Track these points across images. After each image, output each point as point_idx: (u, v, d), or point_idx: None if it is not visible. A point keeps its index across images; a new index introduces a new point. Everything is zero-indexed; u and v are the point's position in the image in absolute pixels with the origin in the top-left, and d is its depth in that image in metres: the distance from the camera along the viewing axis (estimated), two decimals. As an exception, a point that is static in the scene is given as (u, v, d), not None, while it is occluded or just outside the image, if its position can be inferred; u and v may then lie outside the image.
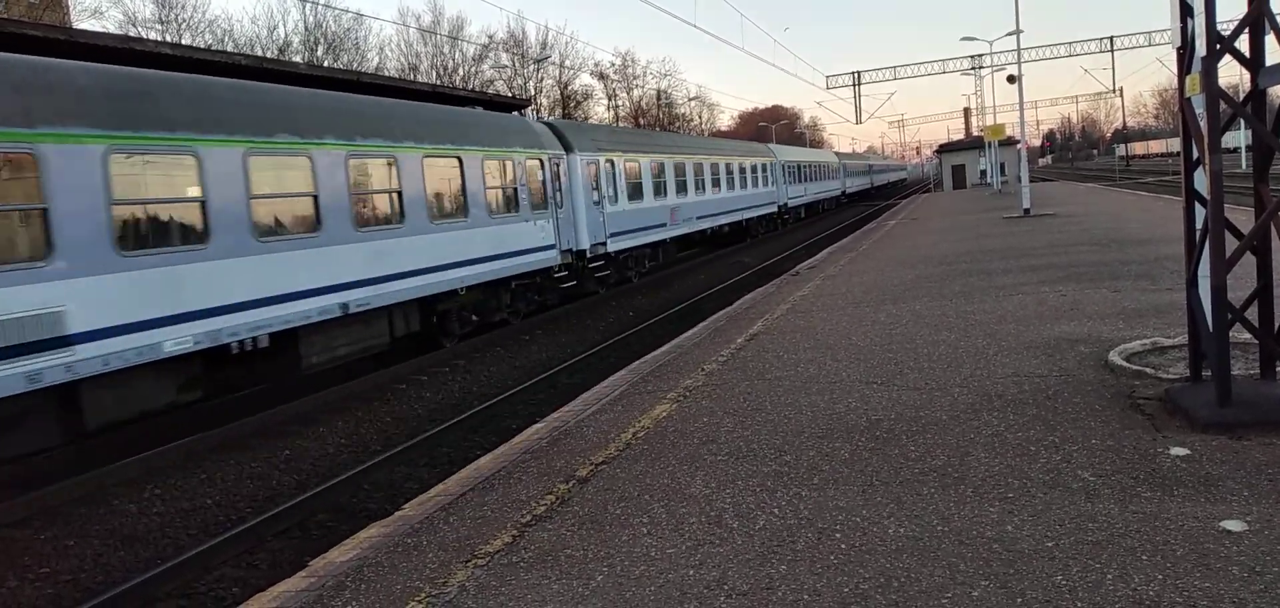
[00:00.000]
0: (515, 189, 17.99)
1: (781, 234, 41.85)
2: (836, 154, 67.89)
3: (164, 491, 9.46)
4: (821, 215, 55.63)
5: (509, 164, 17.95)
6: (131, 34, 39.19)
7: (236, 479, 9.84)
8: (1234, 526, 4.55)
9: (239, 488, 9.61)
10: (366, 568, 5.27)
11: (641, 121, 74.67)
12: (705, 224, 31.09)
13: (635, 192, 24.71)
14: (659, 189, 26.61)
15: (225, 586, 7.34)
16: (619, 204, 23.40)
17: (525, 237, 18.18)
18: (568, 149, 20.89)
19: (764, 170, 40.91)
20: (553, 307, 20.19)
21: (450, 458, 10.01)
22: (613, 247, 22.74)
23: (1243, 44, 6.24)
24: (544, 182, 19.29)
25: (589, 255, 21.28)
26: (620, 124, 67.00)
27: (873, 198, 76.94)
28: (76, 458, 10.03)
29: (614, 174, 23.21)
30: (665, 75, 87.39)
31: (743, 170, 36.87)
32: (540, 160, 19.22)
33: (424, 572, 5.10)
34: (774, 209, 42.34)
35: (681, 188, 28.46)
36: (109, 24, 42.80)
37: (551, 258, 19.31)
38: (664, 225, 26.71)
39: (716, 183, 32.72)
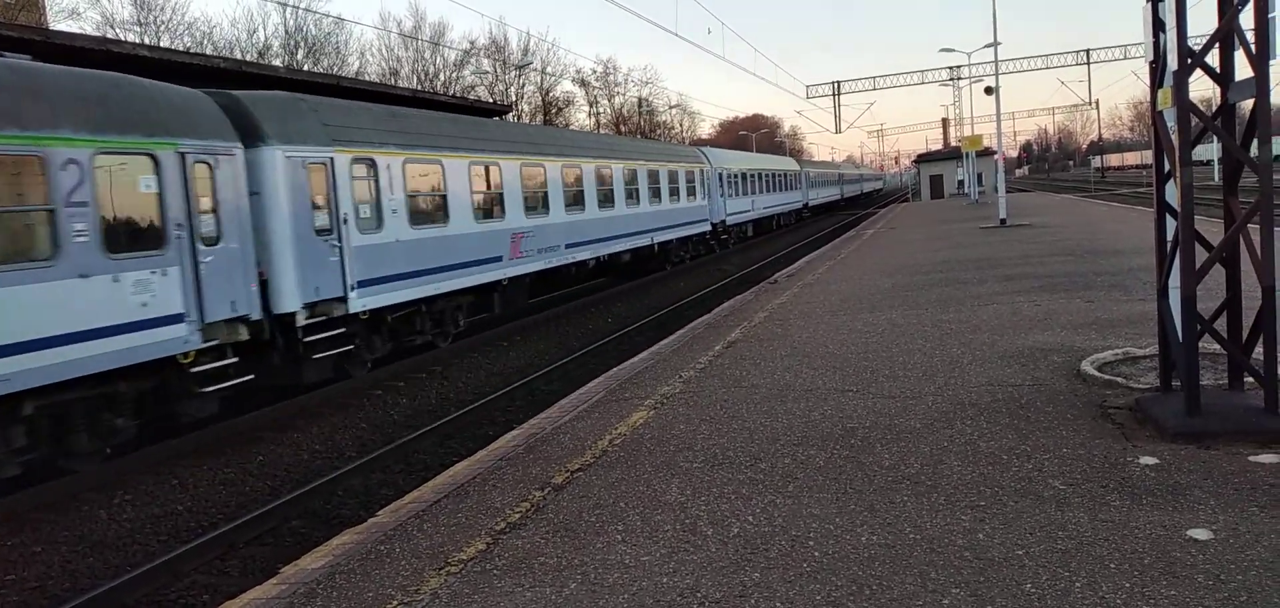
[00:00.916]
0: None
1: (730, 255, 35.38)
2: (799, 161, 58.06)
3: (134, 496, 9.34)
4: (783, 231, 48.90)
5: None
6: (109, 35, 38.80)
7: (209, 485, 9.74)
8: (1201, 534, 4.61)
9: (211, 494, 9.51)
10: (338, 575, 5.23)
11: (623, 129, 74.78)
12: (583, 254, 22.35)
13: (430, 211, 16.08)
14: (487, 207, 17.98)
15: (196, 593, 7.26)
16: (386, 230, 14.46)
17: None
18: (254, 139, 12.16)
19: (692, 180, 32.20)
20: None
21: (426, 464, 9.95)
22: (363, 304, 13.76)
23: (1214, 58, 6.33)
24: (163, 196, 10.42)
25: (305, 320, 12.58)
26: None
27: (844, 210, 75.00)
28: (45, 463, 9.89)
29: (378, 182, 14.41)
30: (647, 83, 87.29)
31: (655, 179, 28.18)
32: (154, 157, 10.31)
33: (396, 579, 5.07)
34: (706, 228, 33.60)
35: (537, 204, 20.11)
36: (87, 25, 42.34)
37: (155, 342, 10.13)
38: (497, 259, 18.02)
39: (608, 197, 24.22)
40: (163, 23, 44.37)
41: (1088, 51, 57.68)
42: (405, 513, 6.26)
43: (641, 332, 17.80)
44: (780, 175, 49.60)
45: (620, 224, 25.00)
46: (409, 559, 5.35)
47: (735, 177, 38.73)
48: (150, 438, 10.67)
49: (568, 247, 21.38)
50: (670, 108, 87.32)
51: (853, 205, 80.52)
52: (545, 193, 20.51)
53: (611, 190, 24.52)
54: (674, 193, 30.03)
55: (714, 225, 34.75)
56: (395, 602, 4.77)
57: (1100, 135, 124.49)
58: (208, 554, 7.83)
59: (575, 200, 22.03)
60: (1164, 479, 5.40)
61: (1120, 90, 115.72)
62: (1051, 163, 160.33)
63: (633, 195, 26.15)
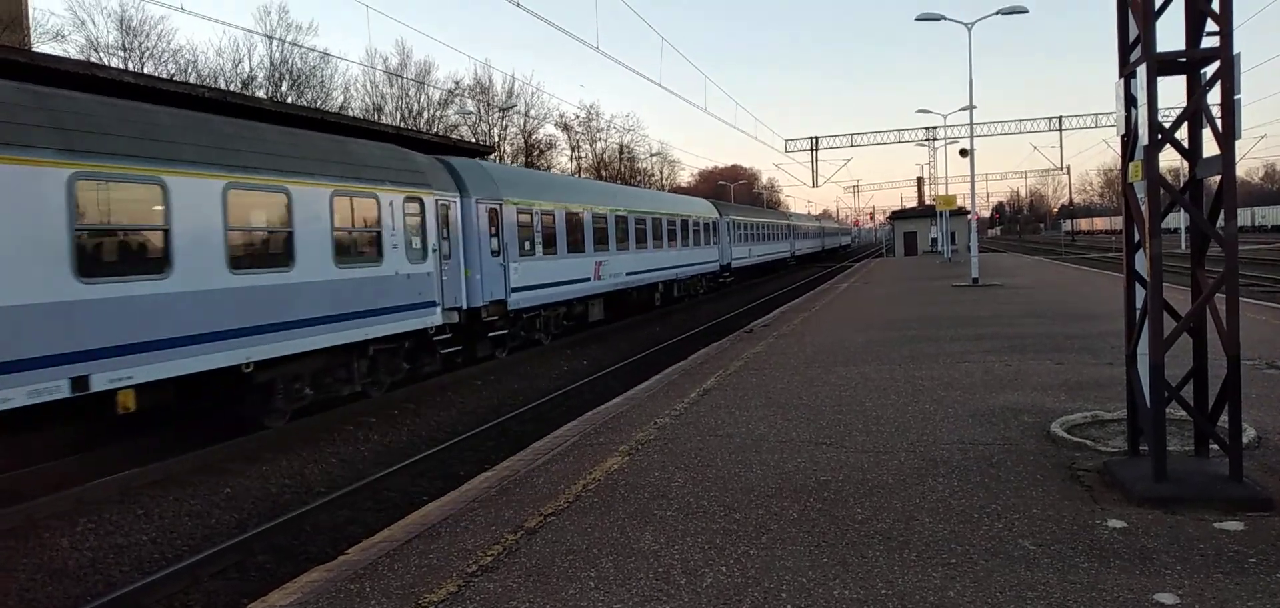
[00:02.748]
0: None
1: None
2: (715, 205, 42.90)
3: (98, 525, 9.18)
4: (764, 280, 49.32)
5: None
6: (94, 59, 38.64)
7: (174, 516, 9.58)
8: (1167, 599, 4.68)
9: (176, 525, 9.36)
10: (307, 613, 5.17)
11: (604, 174, 75.21)
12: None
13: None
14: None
15: (157, 626, 7.13)
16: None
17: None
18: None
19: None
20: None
21: (396, 502, 9.86)
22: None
23: (1183, 135, 6.53)
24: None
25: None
26: (582, 176, 65.66)
27: (824, 260, 75.68)
28: (5, 488, 9.70)
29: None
30: (628, 130, 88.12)
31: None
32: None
33: (366, 619, 5.02)
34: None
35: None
36: (71, 48, 42.11)
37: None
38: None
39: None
40: (148, 49, 44.31)
41: (1060, 118, 59.16)
42: (376, 552, 6.20)
43: (616, 375, 17.80)
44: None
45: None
46: (379, 599, 5.30)
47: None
48: (115, 467, 10.48)
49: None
50: (651, 155, 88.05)
51: (830, 257, 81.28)
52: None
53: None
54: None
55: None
56: (365, 642, 4.72)
57: (1071, 199, 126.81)
58: (171, 588, 7.69)
59: (637, 240, 28.92)
60: (1131, 543, 5.48)
61: (1091, 156, 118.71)
62: (1023, 224, 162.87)
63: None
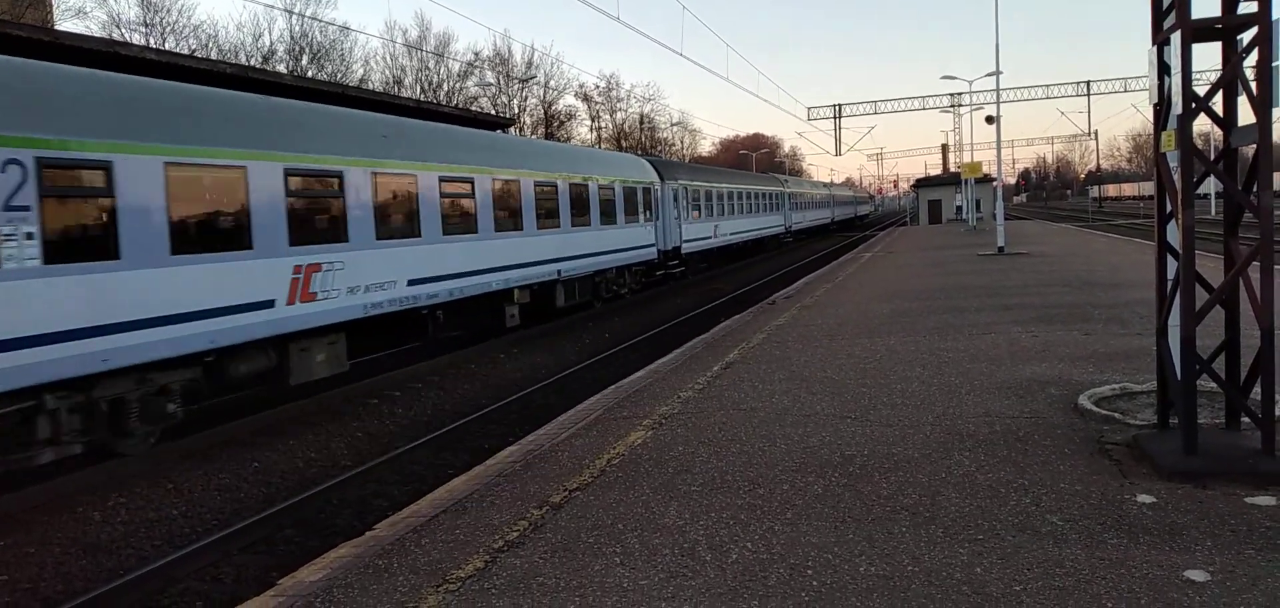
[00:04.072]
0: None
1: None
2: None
3: (129, 499, 9.33)
4: (780, 249, 48.42)
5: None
6: (116, 36, 38.88)
7: (203, 491, 9.72)
8: (1197, 576, 4.63)
9: (206, 500, 9.49)
10: (336, 589, 5.22)
11: (624, 145, 74.92)
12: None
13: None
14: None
15: (189, 600, 7.24)
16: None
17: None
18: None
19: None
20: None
21: (422, 476, 9.95)
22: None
23: (1217, 103, 6.39)
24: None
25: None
26: (602, 147, 64.79)
27: (837, 233, 71.13)
28: (38, 465, 9.87)
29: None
30: (649, 100, 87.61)
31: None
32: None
33: (394, 596, 5.07)
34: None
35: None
36: (93, 24, 42.42)
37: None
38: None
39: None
40: (169, 24, 44.55)
41: (1088, 83, 58.20)
42: (403, 527, 6.26)
43: (637, 348, 17.81)
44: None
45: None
46: (407, 575, 5.35)
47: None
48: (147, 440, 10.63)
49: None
50: (672, 125, 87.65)
51: (855, 224, 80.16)
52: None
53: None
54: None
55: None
56: (393, 618, 4.77)
57: (1099, 166, 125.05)
58: (201, 561, 7.81)
59: (738, 210, 39.95)
60: (1161, 518, 5.43)
61: (1120, 122, 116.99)
62: (1049, 191, 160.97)
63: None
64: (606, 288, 24.70)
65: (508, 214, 18.61)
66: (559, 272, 20.81)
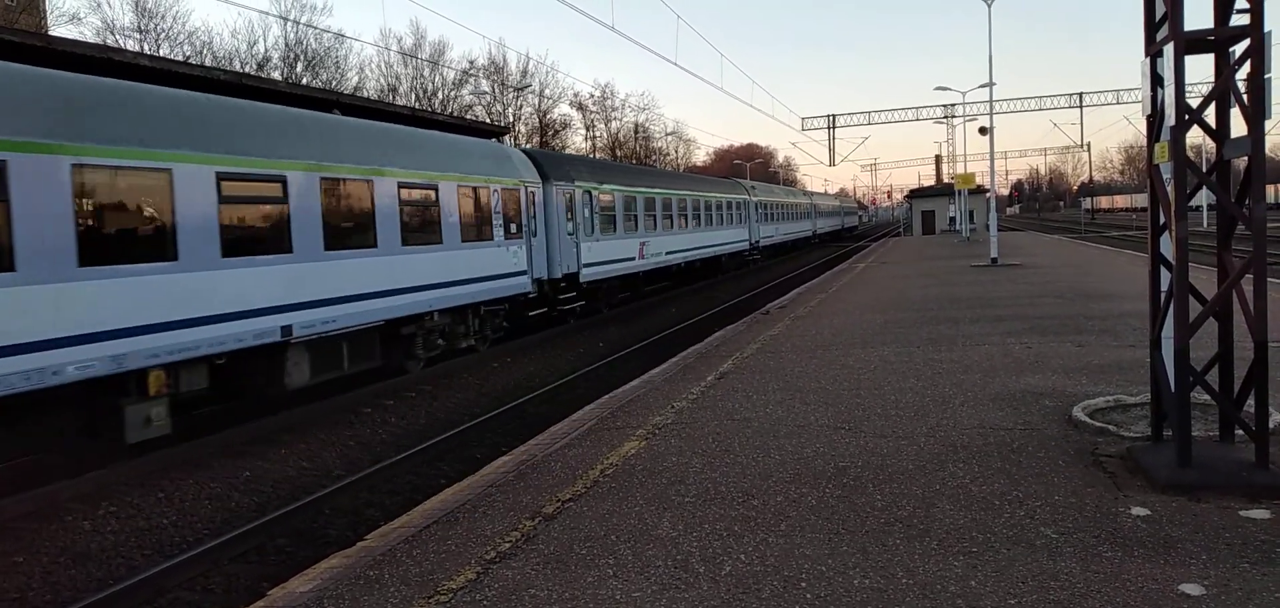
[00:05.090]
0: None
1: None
2: (533, 159, 25.66)
3: (119, 508, 9.26)
4: (779, 260, 48.42)
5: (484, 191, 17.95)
6: (110, 41, 38.80)
7: (194, 499, 9.66)
8: (1192, 589, 4.61)
9: (197, 508, 9.43)
10: (326, 600, 5.18)
11: (619, 154, 75.01)
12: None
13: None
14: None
15: (179, 610, 7.18)
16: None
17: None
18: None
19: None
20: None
21: (414, 486, 9.90)
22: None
23: (1210, 115, 6.40)
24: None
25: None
26: (597, 156, 64.41)
27: (841, 239, 73.79)
28: (31, 472, 9.80)
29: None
30: (643, 109, 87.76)
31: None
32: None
33: (386, 607, 5.02)
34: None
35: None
36: (87, 30, 42.28)
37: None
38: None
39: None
40: (163, 30, 44.38)
41: (1081, 94, 58.49)
42: (394, 538, 6.22)
43: (632, 358, 17.78)
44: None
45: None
46: (398, 586, 5.32)
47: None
48: (137, 449, 10.56)
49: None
50: (666, 134, 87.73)
51: (842, 237, 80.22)
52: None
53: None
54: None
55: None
56: (384, 630, 4.73)
57: (1091, 177, 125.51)
58: (192, 571, 7.75)
59: (676, 223, 31.74)
60: (1155, 531, 5.42)
61: (1112, 133, 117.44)
62: (1042, 202, 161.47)
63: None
64: (425, 343, 16.16)
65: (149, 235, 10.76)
66: (287, 327, 12.46)
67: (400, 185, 15.14)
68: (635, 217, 27.64)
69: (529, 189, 19.99)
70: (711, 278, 36.98)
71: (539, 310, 20.97)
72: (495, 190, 18.38)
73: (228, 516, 9.28)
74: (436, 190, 16.23)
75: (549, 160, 22.92)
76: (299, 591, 5.40)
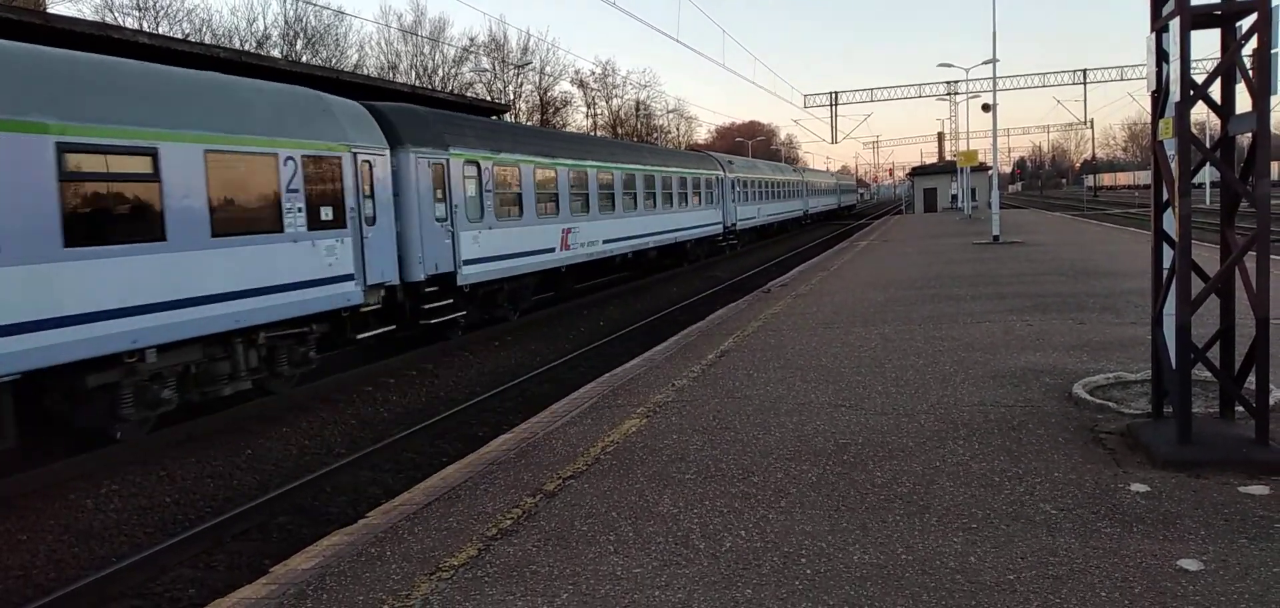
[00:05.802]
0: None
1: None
2: (378, 117, 15.81)
3: (122, 486, 9.29)
4: (781, 237, 48.60)
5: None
6: (109, 20, 38.62)
7: (196, 478, 9.69)
8: (1191, 565, 4.63)
9: (199, 486, 9.46)
10: (329, 577, 5.20)
11: (620, 131, 74.82)
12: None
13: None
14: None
15: (181, 587, 7.21)
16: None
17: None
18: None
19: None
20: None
21: (416, 464, 9.92)
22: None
23: (1216, 91, 6.36)
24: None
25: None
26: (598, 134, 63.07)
27: (840, 218, 72.31)
28: (33, 450, 9.83)
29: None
30: (645, 86, 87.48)
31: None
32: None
33: (387, 583, 5.05)
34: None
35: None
36: (85, 8, 42.11)
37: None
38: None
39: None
40: (162, 8, 44.28)
41: (1084, 71, 58.21)
42: (396, 515, 6.24)
43: (634, 336, 17.79)
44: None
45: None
46: (400, 563, 5.33)
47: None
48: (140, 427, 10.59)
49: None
50: (668, 112, 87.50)
51: (841, 216, 79.65)
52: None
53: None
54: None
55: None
56: (386, 607, 4.75)
57: (1094, 155, 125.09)
58: (194, 548, 7.78)
59: (620, 204, 25.19)
60: (1155, 507, 5.43)
61: (1115, 110, 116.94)
62: (1044, 180, 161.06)
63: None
64: (138, 398, 10.37)
65: None
66: None
67: (62, 148, 9.26)
68: (556, 197, 21.16)
69: (362, 158, 13.94)
70: (678, 267, 31.62)
71: (382, 330, 14.72)
72: (292, 159, 12.43)
73: (230, 494, 9.31)
74: (155, 157, 10.33)
75: (405, 118, 15.85)
76: (301, 567, 5.42)
